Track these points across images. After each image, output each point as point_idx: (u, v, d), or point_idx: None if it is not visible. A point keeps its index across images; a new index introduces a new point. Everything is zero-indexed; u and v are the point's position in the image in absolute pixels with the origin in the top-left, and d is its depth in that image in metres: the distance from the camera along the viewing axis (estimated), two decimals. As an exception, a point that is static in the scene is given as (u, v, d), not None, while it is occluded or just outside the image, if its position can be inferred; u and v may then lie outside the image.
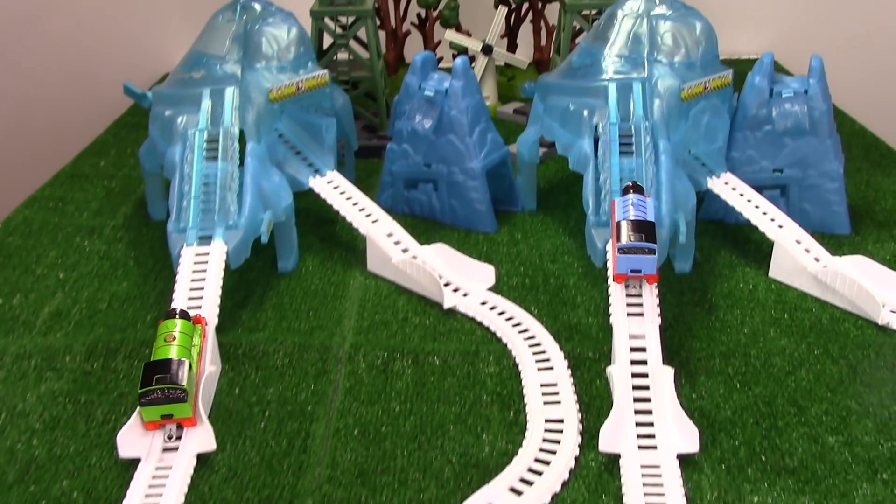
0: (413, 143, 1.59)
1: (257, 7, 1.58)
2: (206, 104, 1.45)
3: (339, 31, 1.91)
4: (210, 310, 1.21)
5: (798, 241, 1.40)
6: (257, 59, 1.53)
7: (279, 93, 1.51)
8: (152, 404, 1.03)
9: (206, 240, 1.31)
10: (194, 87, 1.49)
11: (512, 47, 2.37)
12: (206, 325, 1.19)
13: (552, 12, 2.32)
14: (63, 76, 2.57)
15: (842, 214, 1.54)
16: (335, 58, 1.92)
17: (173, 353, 1.07)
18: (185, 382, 1.03)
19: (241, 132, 1.43)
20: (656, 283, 1.22)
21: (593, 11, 1.93)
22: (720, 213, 1.57)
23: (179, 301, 1.22)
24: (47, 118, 2.56)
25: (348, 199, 1.50)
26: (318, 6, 1.88)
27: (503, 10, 2.16)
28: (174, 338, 1.09)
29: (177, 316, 1.13)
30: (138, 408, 1.05)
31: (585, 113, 1.46)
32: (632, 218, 1.20)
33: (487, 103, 2.14)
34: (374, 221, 1.47)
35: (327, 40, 1.95)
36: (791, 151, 1.52)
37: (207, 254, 1.29)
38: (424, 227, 1.62)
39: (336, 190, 1.51)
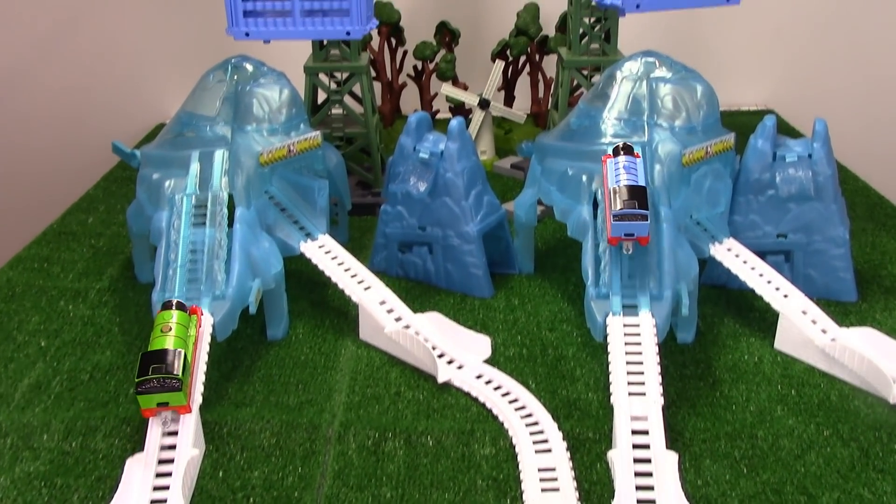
0: (408, 205, 1.56)
1: (249, 67, 1.54)
2: (195, 167, 1.41)
3: (333, 86, 1.88)
4: (195, 390, 1.16)
5: (804, 312, 1.35)
6: (248, 122, 1.49)
7: (270, 156, 1.47)
8: (148, 393, 1.07)
9: (191, 311, 1.26)
10: (183, 148, 1.45)
11: (509, 99, 2.35)
12: (202, 314, 1.22)
13: (550, 64, 2.30)
14: (53, 128, 2.55)
15: (848, 281, 1.50)
16: (329, 113, 1.89)
17: (169, 343, 1.10)
18: (179, 372, 1.07)
19: (231, 196, 1.39)
20: (658, 361, 1.17)
21: (591, 68, 1.90)
22: (723, 279, 1.53)
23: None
24: (37, 171, 2.53)
25: (340, 264, 1.46)
26: (312, 62, 1.85)
27: (500, 63, 2.13)
28: (170, 328, 1.13)
29: (173, 307, 1.16)
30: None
31: (584, 178, 1.43)
32: (624, 183, 1.25)
33: (484, 158, 2.12)
34: (366, 288, 1.42)
35: (321, 96, 1.92)
36: (795, 217, 1.48)
37: (192, 326, 1.24)
38: (419, 291, 1.58)
39: (328, 255, 1.47)
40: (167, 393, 1.07)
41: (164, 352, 1.09)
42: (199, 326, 1.20)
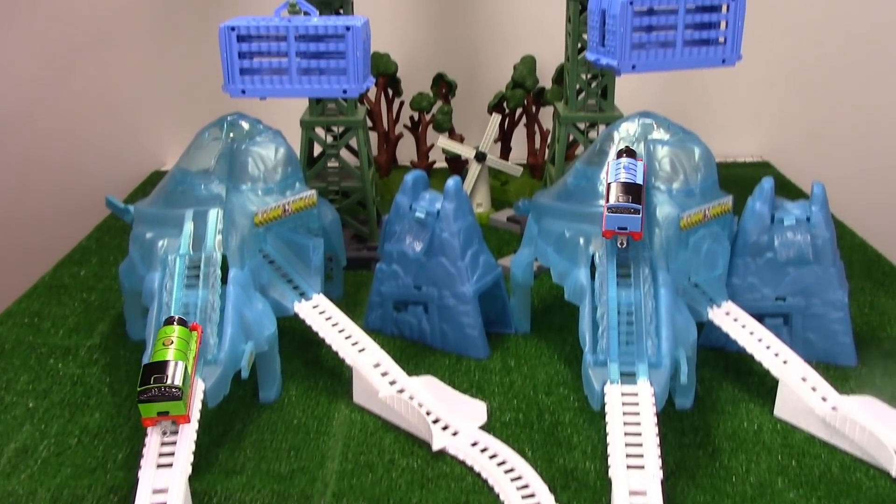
0: (403, 264, 1.54)
1: (245, 125, 1.54)
2: (189, 227, 1.40)
3: (329, 140, 1.87)
4: (184, 459, 1.13)
5: (804, 379, 1.33)
6: (243, 181, 1.48)
7: (265, 216, 1.46)
8: (149, 401, 1.13)
9: (182, 377, 1.24)
10: (177, 207, 1.44)
11: (505, 151, 2.35)
12: (201, 331, 1.27)
13: (546, 116, 2.31)
14: (46, 176, 2.54)
15: (847, 345, 1.49)
16: (325, 167, 1.88)
17: (170, 355, 1.16)
18: (180, 382, 1.12)
19: (224, 257, 1.37)
20: (657, 432, 1.15)
21: (588, 123, 1.90)
22: (721, 341, 1.51)
23: (151, 452, 1.14)
24: (30, 220, 2.52)
25: (334, 325, 1.44)
26: (308, 116, 1.85)
27: (497, 117, 2.13)
28: (172, 342, 1.18)
29: (174, 323, 1.22)
30: None
31: (581, 241, 1.41)
32: (622, 180, 1.32)
33: (480, 210, 2.12)
34: (360, 350, 1.40)
35: (317, 149, 1.92)
36: (793, 280, 1.47)
37: (183, 393, 1.22)
38: (414, 351, 1.56)
39: (322, 315, 1.45)
40: (167, 402, 1.13)
41: (165, 363, 1.14)
42: (199, 343, 1.25)
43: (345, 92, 1.55)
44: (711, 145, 1.57)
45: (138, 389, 1.12)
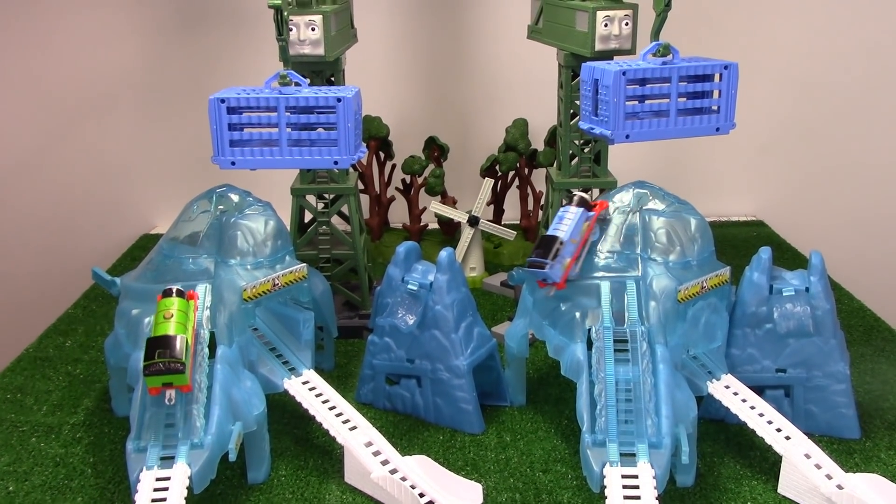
0: (395, 337, 1.51)
1: (234, 198, 1.52)
2: (176, 304, 1.36)
3: (320, 207, 1.85)
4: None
5: (808, 456, 1.30)
6: (231, 255, 1.45)
7: (254, 291, 1.43)
8: (155, 374, 1.21)
9: (168, 461, 1.20)
10: (164, 282, 1.41)
11: (498, 213, 2.33)
12: (197, 297, 1.34)
13: (539, 178, 2.29)
14: (32, 243, 2.51)
15: (850, 417, 1.45)
16: (316, 234, 1.86)
17: (171, 328, 1.23)
18: (182, 356, 1.20)
19: (212, 334, 1.34)
20: (659, 518, 1.12)
21: (581, 189, 1.89)
22: (721, 413, 1.48)
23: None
24: (14, 287, 2.48)
25: (325, 402, 1.40)
26: (299, 183, 1.83)
27: (489, 182, 2.12)
28: (172, 315, 1.25)
29: (173, 294, 1.28)
30: None
31: (577, 314, 1.39)
32: (548, 232, 1.37)
33: (474, 274, 2.09)
34: (352, 428, 1.37)
35: (308, 216, 1.90)
36: (794, 352, 1.44)
37: (168, 478, 1.18)
38: (407, 426, 1.52)
39: (312, 392, 1.42)
40: (171, 375, 1.21)
41: (167, 337, 1.22)
42: (196, 310, 1.32)
43: (336, 163, 1.53)
44: (705, 204, 1.55)
45: (143, 364, 1.21)
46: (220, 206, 1.50)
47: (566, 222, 1.39)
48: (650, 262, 1.41)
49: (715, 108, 1.59)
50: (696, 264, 1.43)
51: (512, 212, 2.37)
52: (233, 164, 1.53)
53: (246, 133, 1.52)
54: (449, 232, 2.31)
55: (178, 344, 1.22)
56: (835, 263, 2.07)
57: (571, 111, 1.84)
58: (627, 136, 1.56)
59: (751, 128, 2.51)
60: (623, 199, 1.49)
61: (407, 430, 1.51)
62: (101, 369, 1.70)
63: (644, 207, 1.46)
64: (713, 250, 1.48)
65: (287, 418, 1.51)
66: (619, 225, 1.46)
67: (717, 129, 1.60)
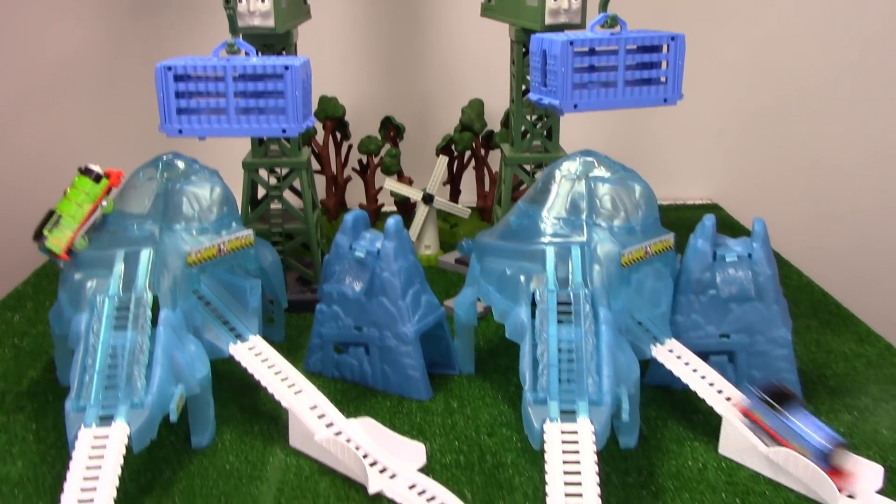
0: (343, 305, 1.51)
1: (180, 164, 1.51)
2: (119, 268, 1.36)
3: (272, 181, 1.85)
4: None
5: (748, 416, 1.32)
6: (176, 220, 1.45)
7: (198, 256, 1.42)
8: (41, 245, 1.39)
9: (107, 420, 1.19)
10: (108, 248, 1.40)
11: (455, 194, 2.34)
12: (119, 176, 1.43)
13: (495, 159, 2.30)
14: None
15: (792, 382, 1.47)
16: (268, 209, 1.85)
17: (57, 205, 1.39)
18: (47, 231, 1.38)
19: (156, 298, 1.33)
20: (597, 470, 1.12)
21: (533, 164, 1.90)
22: (666, 379, 1.49)
23: (70, 497, 1.09)
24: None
25: (270, 367, 1.40)
26: (250, 158, 1.83)
27: (444, 159, 2.12)
28: (65, 192, 1.40)
29: (80, 172, 1.41)
30: None
31: (522, 278, 1.40)
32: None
33: (429, 252, 2.09)
34: (297, 392, 1.36)
35: (261, 191, 1.89)
36: (737, 317, 1.46)
37: (107, 437, 1.17)
38: (355, 393, 1.52)
39: (258, 357, 1.41)
40: (49, 246, 1.38)
41: (50, 211, 1.39)
42: (107, 190, 1.42)
43: (284, 131, 1.53)
44: (660, 188, 1.57)
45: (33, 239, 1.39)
46: (167, 174, 1.49)
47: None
48: (595, 228, 1.42)
49: (663, 79, 1.60)
50: (641, 230, 1.45)
51: (468, 195, 2.38)
52: (180, 132, 1.53)
53: (193, 101, 1.52)
54: (405, 213, 2.31)
55: (52, 218, 1.38)
56: (787, 244, 2.11)
57: (523, 87, 1.85)
58: (576, 106, 1.57)
59: (707, 113, 2.55)
60: (570, 167, 1.50)
61: (355, 397, 1.51)
62: (48, 342, 1.68)
63: (590, 175, 1.48)
64: (657, 217, 1.50)
65: (234, 387, 1.51)
66: (565, 192, 1.47)
67: (665, 100, 1.62)
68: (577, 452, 1.16)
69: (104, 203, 1.43)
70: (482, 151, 2.30)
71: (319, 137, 2.27)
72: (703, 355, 1.45)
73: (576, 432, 1.19)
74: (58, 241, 1.38)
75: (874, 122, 2.52)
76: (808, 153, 2.58)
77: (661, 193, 1.65)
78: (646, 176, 1.52)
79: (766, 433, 1.26)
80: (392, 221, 1.47)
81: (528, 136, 1.89)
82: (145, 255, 1.37)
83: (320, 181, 2.29)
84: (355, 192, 2.37)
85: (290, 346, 1.69)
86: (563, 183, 1.48)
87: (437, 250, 2.14)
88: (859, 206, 2.58)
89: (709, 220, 1.50)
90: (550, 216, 1.46)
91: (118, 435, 1.17)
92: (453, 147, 2.25)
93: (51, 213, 1.40)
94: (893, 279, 2.57)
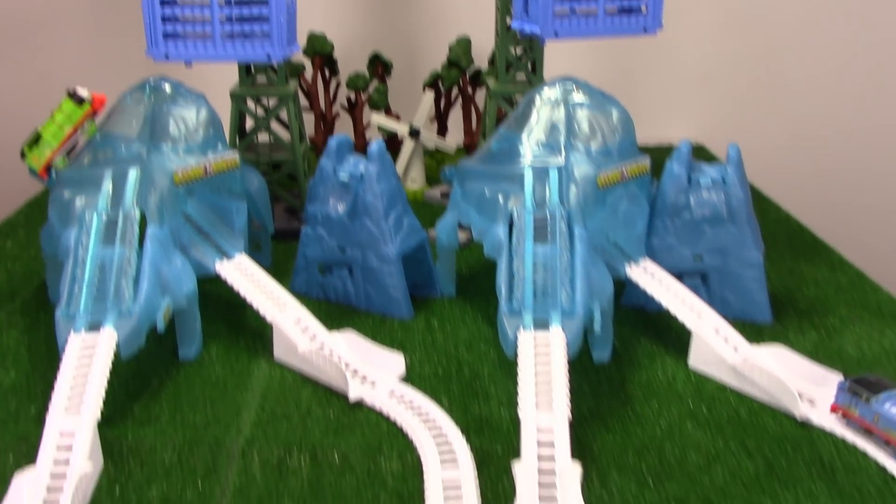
0: (327, 227, 1.55)
1: (167, 88, 1.54)
2: (107, 186, 1.39)
3: (260, 112, 1.87)
4: (93, 404, 1.13)
5: (717, 331, 1.36)
6: (164, 141, 1.48)
7: (185, 175, 1.46)
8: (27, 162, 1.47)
9: (96, 327, 1.24)
10: (97, 168, 1.44)
11: (442, 131, 2.37)
12: (102, 101, 1.46)
13: (482, 97, 2.32)
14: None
15: (762, 303, 1.52)
16: (256, 140, 1.88)
17: (41, 126, 1.46)
18: (24, 147, 1.46)
19: (143, 215, 1.37)
20: (566, 375, 1.17)
21: (518, 97, 1.93)
22: (641, 301, 1.53)
23: (60, 396, 1.14)
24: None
25: (256, 283, 1.44)
26: (238, 88, 1.85)
27: (430, 94, 2.15)
28: (51, 114, 1.45)
29: (68, 94, 1.45)
30: None
31: (501, 199, 1.44)
32: None
33: (415, 186, 2.13)
34: (281, 308, 1.41)
35: (249, 123, 1.92)
36: (710, 239, 1.50)
37: (96, 343, 1.21)
38: (339, 312, 1.56)
39: (243, 274, 1.45)
40: (28, 163, 1.47)
41: (35, 131, 1.46)
42: (88, 114, 1.45)
43: (269, 56, 1.55)
44: (645, 129, 1.59)
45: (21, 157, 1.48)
46: (154, 97, 1.52)
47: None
48: (573, 151, 1.46)
49: (643, 8, 1.63)
50: (617, 153, 1.48)
51: (455, 133, 2.40)
52: (166, 56, 1.56)
53: (179, 26, 1.54)
54: (393, 148, 2.33)
55: (30, 137, 1.45)
56: (769, 181, 2.15)
57: (508, 19, 1.88)
58: (556, 33, 1.60)
59: (694, 57, 2.57)
60: (550, 93, 1.53)
61: (339, 316, 1.55)
62: (40, 265, 1.71)
63: (569, 100, 1.51)
64: (634, 141, 1.53)
65: (220, 307, 1.55)
66: (545, 117, 1.50)
67: (645, 30, 1.65)
68: (548, 357, 1.20)
69: (85, 127, 1.46)
70: (469, 89, 2.32)
71: (308, 75, 2.29)
72: (678, 277, 1.49)
73: (548, 341, 1.23)
74: (37, 158, 1.45)
75: (860, 65, 2.55)
76: (792, 95, 2.61)
77: (646, 134, 1.68)
78: (630, 111, 1.56)
79: (859, 427, 1.19)
80: (375, 145, 1.50)
81: (513, 69, 1.91)
82: (133, 174, 1.40)
83: (309, 118, 2.31)
84: (344, 130, 2.39)
85: (277, 271, 1.71)
86: (543, 108, 1.51)
87: (423, 184, 2.17)
88: (843, 147, 2.61)
89: (684, 145, 1.53)
90: (530, 140, 1.49)
91: (106, 340, 1.22)
92: (440, 83, 2.27)
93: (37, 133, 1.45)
94: (871, 213, 2.61)
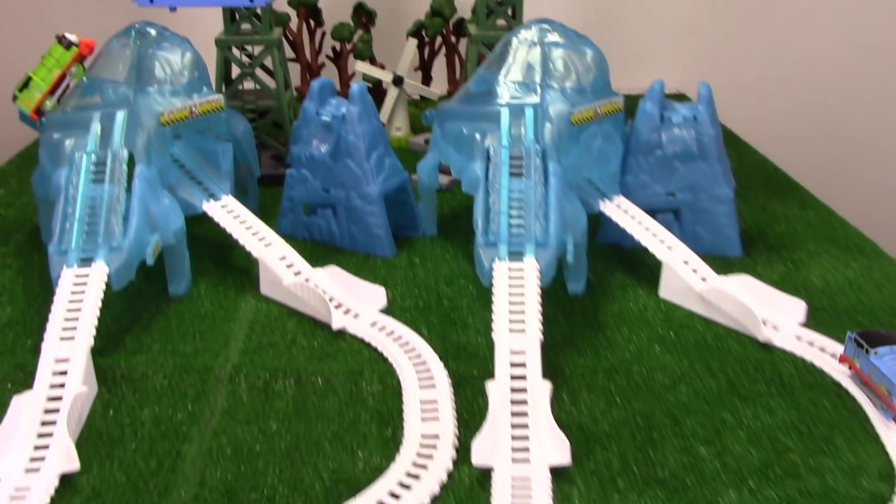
0: (311, 168, 1.59)
1: (152, 32, 1.57)
2: (96, 127, 1.43)
3: (245, 60, 1.91)
4: (86, 332, 1.18)
5: (686, 262, 1.42)
6: (149, 83, 1.52)
7: (171, 116, 1.50)
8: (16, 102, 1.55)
9: (87, 262, 1.29)
10: (86, 111, 1.47)
11: (426, 80, 2.40)
12: (91, 45, 1.55)
13: (466, 46, 2.35)
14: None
15: (732, 237, 1.57)
16: (241, 87, 1.92)
17: (32, 71, 1.53)
18: (15, 90, 1.53)
19: (132, 156, 1.41)
20: (539, 301, 1.22)
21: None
22: (616, 237, 1.58)
23: (55, 325, 1.19)
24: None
25: (242, 223, 1.49)
26: (223, 35, 1.88)
27: (413, 42, 2.18)
28: (41, 59, 1.53)
29: (56, 39, 1.53)
30: None
31: (478, 136, 1.48)
32: None
33: (399, 134, 2.17)
34: (266, 245, 1.46)
35: (235, 71, 1.95)
36: (682, 176, 1.55)
37: (88, 276, 1.26)
38: (324, 252, 1.61)
39: (230, 214, 1.50)
40: (18, 105, 1.55)
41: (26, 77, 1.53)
42: (77, 57, 1.54)
43: (251, 2, 1.58)
44: (630, 78, 1.62)
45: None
46: (139, 41, 1.55)
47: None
48: (548, 89, 1.50)
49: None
50: (591, 91, 1.52)
51: (439, 81, 2.44)
52: (151, 1, 1.59)
53: (163, -29, 1.57)
54: (378, 98, 2.37)
55: (21, 80, 1.52)
56: (749, 127, 2.20)
57: (488, -35, 1.90)
58: (532, -23, 1.63)
59: (678, 6, 2.60)
60: (526, 34, 1.57)
61: (323, 255, 1.60)
62: (32, 211, 1.76)
63: (545, 41, 1.54)
64: (608, 81, 1.57)
65: (210, 246, 1.60)
66: (521, 57, 1.54)
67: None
68: (521, 286, 1.25)
69: (73, 69, 1.51)
70: (453, 38, 2.35)
71: (294, 25, 2.32)
72: (651, 213, 1.54)
73: (522, 269, 1.28)
74: (27, 101, 1.52)
75: (847, 17, 2.57)
76: (773, 43, 2.64)
77: (630, 83, 1.71)
78: (615, 64, 1.59)
79: (863, 382, 1.18)
80: (356, 87, 1.55)
81: (493, 15, 1.95)
82: (120, 116, 1.44)
83: (294, 68, 2.34)
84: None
85: (264, 215, 1.74)
86: (520, 49, 1.55)
87: (407, 132, 2.21)
88: (825, 96, 2.64)
89: (657, 84, 1.57)
90: (507, 80, 1.53)
91: (98, 274, 1.26)
92: (424, 32, 2.30)
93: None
94: (847, 161, 2.65)
